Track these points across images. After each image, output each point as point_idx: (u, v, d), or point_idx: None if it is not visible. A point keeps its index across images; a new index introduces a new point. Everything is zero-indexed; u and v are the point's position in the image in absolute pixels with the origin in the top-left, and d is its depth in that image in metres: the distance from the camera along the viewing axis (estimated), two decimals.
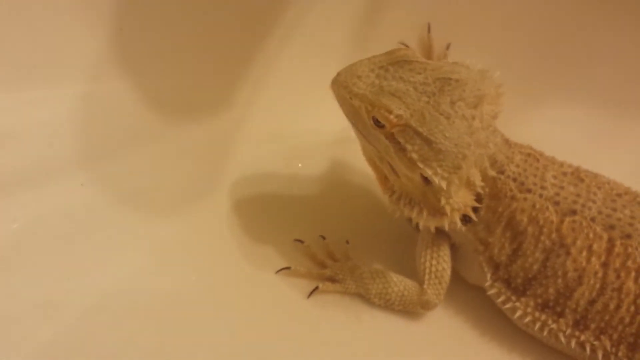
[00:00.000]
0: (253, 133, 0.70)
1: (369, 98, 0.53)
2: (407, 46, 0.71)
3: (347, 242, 0.67)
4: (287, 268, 0.64)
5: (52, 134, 0.62)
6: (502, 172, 0.57)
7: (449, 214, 0.55)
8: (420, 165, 0.53)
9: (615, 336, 0.57)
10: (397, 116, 0.53)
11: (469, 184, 0.56)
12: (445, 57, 0.72)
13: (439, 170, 0.53)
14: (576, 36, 0.73)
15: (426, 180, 0.55)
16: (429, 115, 0.53)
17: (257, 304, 0.63)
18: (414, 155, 0.53)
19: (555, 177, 0.58)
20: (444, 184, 0.54)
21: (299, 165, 0.70)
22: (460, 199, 0.55)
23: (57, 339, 0.55)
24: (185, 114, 0.68)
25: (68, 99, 0.63)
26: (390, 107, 0.53)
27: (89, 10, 0.63)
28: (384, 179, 0.60)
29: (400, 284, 0.62)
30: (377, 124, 0.54)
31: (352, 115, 0.56)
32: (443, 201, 0.55)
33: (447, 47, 0.73)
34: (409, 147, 0.53)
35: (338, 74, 0.55)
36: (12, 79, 0.61)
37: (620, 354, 0.57)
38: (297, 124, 0.72)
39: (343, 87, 0.54)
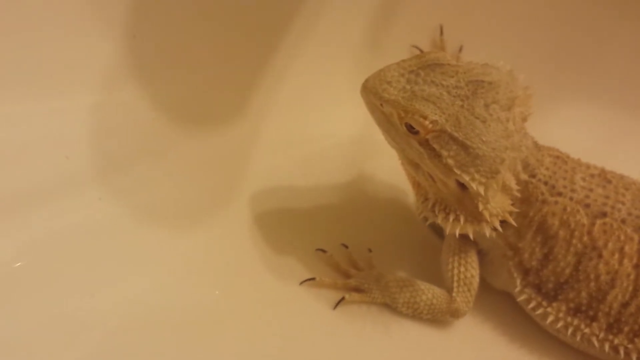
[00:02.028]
0: (268, 141, 0.69)
1: (401, 104, 0.52)
2: (420, 50, 0.70)
3: (370, 250, 0.65)
4: (312, 279, 0.63)
5: (69, 146, 0.60)
6: (533, 176, 0.57)
7: (488, 219, 0.54)
8: (457, 171, 0.52)
9: None
10: (432, 122, 0.52)
11: (505, 189, 0.55)
12: (459, 59, 0.71)
13: (477, 176, 0.52)
14: (589, 36, 0.73)
15: (462, 186, 0.54)
16: (464, 120, 0.52)
17: (282, 317, 0.61)
18: (450, 161, 0.52)
19: (584, 180, 0.57)
20: (481, 190, 0.53)
21: (316, 172, 0.68)
22: (498, 204, 0.54)
23: (85, 358, 0.53)
24: (200, 124, 0.67)
25: (83, 109, 0.62)
26: (425, 113, 0.51)
27: (101, 19, 0.61)
28: (416, 186, 0.59)
29: (428, 292, 0.61)
30: (411, 130, 0.53)
31: (384, 122, 0.54)
32: (481, 207, 0.54)
33: (460, 49, 0.72)
34: (444, 153, 0.52)
35: (366, 80, 0.53)
36: (26, 90, 0.60)
37: None
38: (312, 129, 0.71)
39: (373, 94, 0.53)
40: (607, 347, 0.58)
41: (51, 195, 0.58)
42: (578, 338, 0.58)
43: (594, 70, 0.74)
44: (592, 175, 0.58)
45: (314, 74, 0.71)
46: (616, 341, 0.57)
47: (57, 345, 0.53)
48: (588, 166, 0.59)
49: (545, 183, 0.57)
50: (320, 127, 0.72)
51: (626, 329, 0.57)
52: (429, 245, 0.67)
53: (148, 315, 0.57)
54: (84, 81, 0.61)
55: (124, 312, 0.56)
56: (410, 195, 0.70)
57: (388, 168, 0.66)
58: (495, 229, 0.56)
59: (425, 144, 0.53)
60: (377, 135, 0.59)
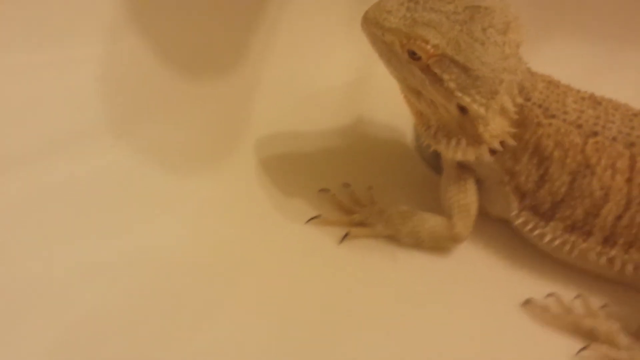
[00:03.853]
0: (270, 86, 0.71)
1: (403, 31, 0.54)
2: None
3: (371, 187, 0.67)
4: (317, 217, 0.64)
5: (77, 96, 0.60)
6: (528, 99, 0.59)
7: (488, 140, 0.57)
8: (459, 94, 0.55)
9: None
10: (434, 46, 0.54)
11: (503, 111, 0.57)
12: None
13: (477, 97, 0.55)
14: None
15: (463, 109, 0.56)
16: (464, 43, 0.54)
17: (292, 253, 0.63)
18: (452, 84, 0.54)
19: (575, 102, 0.60)
20: (482, 110, 0.55)
21: (317, 115, 0.70)
22: (497, 126, 0.56)
23: (105, 301, 0.54)
24: (202, 72, 0.68)
25: (87, 60, 0.62)
26: (427, 37, 0.54)
27: None
28: (419, 115, 0.61)
29: (430, 220, 0.63)
30: (413, 57, 0.55)
31: (386, 52, 0.56)
32: (481, 128, 0.56)
33: None
34: (446, 76, 0.54)
35: (367, 12, 0.55)
36: (32, 41, 0.60)
37: None
38: (311, 73, 0.73)
39: (374, 24, 0.55)
40: (604, 259, 0.61)
41: (64, 144, 0.59)
42: (576, 253, 0.61)
43: (575, 6, 0.76)
44: (583, 98, 0.61)
45: (309, 16, 0.72)
46: (612, 253, 0.60)
47: (76, 286, 0.54)
48: (578, 91, 0.62)
49: (540, 106, 0.59)
50: (320, 71, 0.73)
51: (621, 241, 0.60)
52: (427, 181, 0.69)
53: (166, 254, 0.59)
54: (87, 32, 0.62)
55: (141, 252, 0.57)
56: (408, 134, 0.72)
57: (386, 109, 0.68)
58: (494, 152, 0.59)
59: (427, 69, 0.55)
60: (376, 77, 0.60)
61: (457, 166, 0.63)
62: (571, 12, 0.76)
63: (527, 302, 0.61)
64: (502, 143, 0.59)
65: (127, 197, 0.60)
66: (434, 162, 0.70)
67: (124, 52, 0.63)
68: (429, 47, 0.54)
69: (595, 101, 0.61)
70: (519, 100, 0.58)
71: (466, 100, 0.55)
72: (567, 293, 0.63)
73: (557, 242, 0.61)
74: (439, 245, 0.64)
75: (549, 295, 0.62)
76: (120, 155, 0.62)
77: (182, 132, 0.65)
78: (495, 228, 0.67)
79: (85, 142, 0.61)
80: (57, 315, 0.52)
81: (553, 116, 0.59)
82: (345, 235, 0.64)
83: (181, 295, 0.56)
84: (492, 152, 0.60)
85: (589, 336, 0.59)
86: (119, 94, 0.63)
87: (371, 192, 0.67)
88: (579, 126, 0.59)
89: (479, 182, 0.64)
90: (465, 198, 0.63)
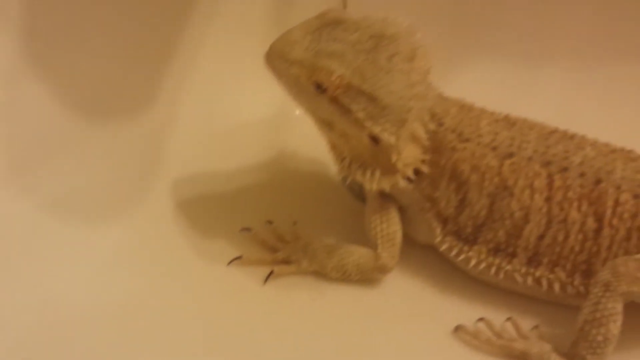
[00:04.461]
0: (184, 127, 0.69)
1: (307, 63, 0.53)
2: None
3: (295, 222, 0.66)
4: (239, 257, 0.63)
5: None
6: (441, 125, 0.59)
7: (401, 169, 0.56)
8: (368, 123, 0.54)
9: (568, 266, 0.59)
10: (339, 76, 0.53)
11: (415, 138, 0.57)
12: None
13: (387, 126, 0.54)
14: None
15: (374, 139, 0.55)
16: (369, 72, 0.53)
17: (215, 299, 0.61)
18: (360, 115, 0.54)
19: (489, 124, 0.60)
20: (393, 139, 0.54)
21: (235, 153, 0.68)
22: (410, 154, 0.56)
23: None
24: (112, 114, 0.66)
25: None
26: (331, 68, 0.53)
27: None
28: (334, 146, 0.60)
29: (355, 253, 0.62)
30: (319, 88, 0.54)
31: (293, 85, 0.55)
32: (394, 157, 0.56)
33: None
34: (354, 107, 0.54)
35: (271, 45, 0.54)
36: None
37: (575, 282, 0.59)
38: (226, 111, 0.72)
39: (278, 57, 0.54)
40: (530, 280, 0.60)
41: None
42: (502, 276, 0.61)
43: (493, 28, 0.78)
44: (497, 120, 0.61)
45: (222, 56, 0.71)
46: (538, 273, 0.60)
47: None
48: (492, 113, 0.62)
49: (453, 131, 0.59)
50: (235, 109, 0.72)
51: (545, 260, 0.60)
52: (352, 211, 0.68)
53: (71, 312, 0.56)
54: None
55: (46, 308, 0.55)
56: (331, 165, 0.71)
57: (308, 142, 0.67)
58: (410, 180, 0.58)
59: (334, 101, 0.54)
60: (293, 111, 0.59)
61: (379, 196, 0.62)
62: (489, 33, 0.78)
63: (458, 329, 0.60)
64: (417, 170, 0.58)
65: (30, 249, 0.57)
66: (360, 192, 0.69)
67: (24, 99, 0.61)
68: (334, 78, 0.53)
69: (509, 122, 0.61)
70: (432, 126, 0.58)
71: (376, 129, 0.54)
72: (498, 316, 0.62)
73: (482, 265, 0.61)
74: (367, 277, 0.63)
75: (479, 320, 0.61)
76: (23, 206, 0.59)
77: (90, 178, 0.63)
78: (423, 255, 0.66)
79: None
80: None
81: (467, 140, 0.59)
82: (270, 274, 0.62)
83: (83, 351, 0.53)
84: (410, 180, 0.59)
85: (522, 359, 0.58)
86: (21, 144, 0.60)
87: (295, 228, 0.66)
88: (494, 148, 0.59)
89: (402, 210, 0.64)
90: (389, 227, 0.62)
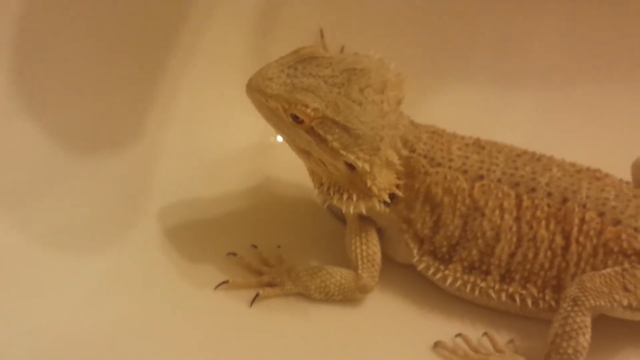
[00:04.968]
0: (169, 157, 0.72)
1: (284, 97, 0.56)
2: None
3: (279, 246, 0.69)
4: (225, 282, 0.65)
5: None
6: (413, 151, 0.62)
7: (377, 193, 0.59)
8: (343, 152, 0.57)
9: (539, 282, 0.62)
10: (313, 109, 0.56)
11: (389, 164, 0.60)
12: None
13: (361, 154, 0.57)
14: (456, 25, 0.80)
15: (350, 166, 0.59)
16: (342, 104, 0.57)
17: (203, 322, 0.64)
18: (335, 144, 0.57)
19: (459, 149, 0.63)
20: (367, 167, 0.58)
21: (220, 180, 0.71)
22: (384, 179, 0.59)
23: None
24: (99, 147, 0.68)
25: None
26: (306, 102, 0.56)
27: None
28: (312, 173, 0.63)
29: (336, 274, 0.64)
30: (296, 120, 0.57)
31: (271, 117, 0.59)
32: (369, 183, 0.59)
33: (342, 49, 0.78)
34: (329, 137, 0.57)
35: (250, 80, 0.58)
36: None
37: (547, 297, 0.62)
38: (211, 140, 0.75)
39: (257, 91, 0.57)
40: (504, 296, 0.63)
41: None
42: (477, 293, 0.64)
43: (464, 53, 0.81)
44: (467, 145, 0.64)
45: (205, 87, 0.74)
46: (510, 289, 0.63)
47: None
48: (463, 137, 0.65)
49: (425, 156, 0.62)
50: (219, 137, 0.75)
51: (517, 276, 0.63)
52: (335, 233, 0.71)
53: (64, 338, 0.58)
54: None
55: (38, 336, 0.57)
56: (312, 189, 0.73)
57: (288, 168, 0.70)
58: (386, 203, 0.61)
59: (311, 131, 0.57)
60: (275, 138, 0.62)
61: (358, 218, 0.65)
62: (460, 58, 0.80)
63: (437, 344, 0.63)
64: (393, 194, 0.61)
65: (22, 280, 0.60)
66: (341, 214, 0.72)
67: (14, 135, 0.64)
68: (309, 110, 0.56)
69: (479, 146, 0.64)
70: (404, 152, 0.61)
71: (350, 157, 0.57)
72: (475, 331, 0.65)
73: (458, 283, 0.64)
74: (348, 297, 0.65)
75: (457, 335, 0.63)
76: (15, 238, 0.62)
77: (79, 210, 0.66)
78: (402, 274, 0.68)
79: None
80: None
81: (439, 164, 0.62)
82: (256, 297, 0.65)
83: None
84: (387, 203, 0.62)
85: None
86: (12, 178, 0.63)
87: (279, 251, 0.69)
88: (465, 172, 0.62)
89: (381, 232, 0.67)
90: (368, 249, 0.65)
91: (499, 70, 0.82)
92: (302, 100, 0.56)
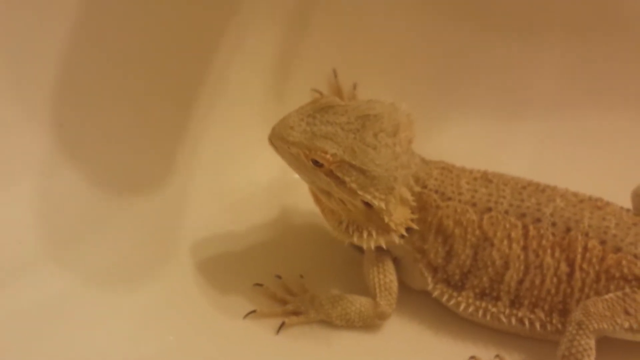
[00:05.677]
0: (198, 196, 0.77)
1: (305, 144, 0.62)
2: (320, 93, 0.80)
3: (301, 276, 0.73)
4: (253, 311, 0.70)
5: (19, 231, 0.65)
6: (425, 187, 0.67)
7: (395, 228, 0.64)
8: (360, 192, 0.62)
9: (546, 307, 0.66)
10: (332, 155, 0.62)
11: (403, 201, 0.65)
12: (355, 96, 0.82)
13: (377, 194, 0.62)
14: (460, 61, 0.84)
15: (368, 204, 0.63)
16: (358, 149, 0.62)
17: (233, 349, 0.68)
18: (353, 185, 0.62)
19: (468, 183, 0.68)
20: (383, 205, 0.63)
21: (244, 216, 0.76)
22: (400, 215, 0.64)
23: None
24: (134, 190, 0.74)
25: (26, 196, 0.68)
26: (325, 148, 0.61)
27: (29, 116, 0.69)
28: (330, 213, 0.68)
29: (356, 302, 0.69)
30: (316, 164, 0.62)
31: (293, 161, 0.64)
32: (386, 219, 0.63)
33: (354, 87, 0.83)
34: (347, 179, 0.62)
35: (273, 129, 0.63)
36: None
37: (554, 320, 0.66)
38: (235, 179, 0.80)
39: (279, 139, 0.62)
40: (513, 320, 0.67)
41: (8, 278, 0.64)
42: (489, 318, 0.68)
43: (470, 88, 0.85)
44: (475, 178, 0.69)
45: (229, 130, 0.80)
46: (520, 314, 0.67)
47: None
48: (471, 171, 0.70)
49: (436, 191, 0.67)
50: (242, 176, 0.80)
51: (526, 302, 0.67)
52: (353, 262, 0.75)
53: None
54: (22, 171, 0.68)
55: None
56: None
57: (307, 201, 0.74)
58: (402, 236, 0.66)
59: (330, 174, 0.62)
60: (293, 175, 0.67)
61: (375, 249, 0.70)
62: (467, 92, 0.85)
63: None
64: (408, 227, 0.66)
65: (69, 320, 0.65)
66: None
67: (59, 184, 0.69)
68: (328, 156, 0.61)
69: (486, 179, 0.69)
70: (417, 189, 0.66)
71: (367, 197, 0.62)
72: (488, 353, 0.69)
73: (470, 309, 0.68)
74: (368, 323, 0.70)
75: (471, 357, 0.68)
76: (60, 281, 0.67)
77: (118, 250, 0.71)
78: (418, 300, 0.73)
79: (26, 273, 0.66)
80: None
81: (449, 199, 0.67)
82: (282, 325, 0.69)
83: None
84: (403, 235, 0.67)
85: None
86: (56, 224, 0.69)
87: (302, 281, 0.73)
88: (474, 204, 0.67)
89: (397, 261, 0.71)
90: (385, 278, 0.69)
91: (503, 103, 0.86)
92: (322, 147, 0.61)
